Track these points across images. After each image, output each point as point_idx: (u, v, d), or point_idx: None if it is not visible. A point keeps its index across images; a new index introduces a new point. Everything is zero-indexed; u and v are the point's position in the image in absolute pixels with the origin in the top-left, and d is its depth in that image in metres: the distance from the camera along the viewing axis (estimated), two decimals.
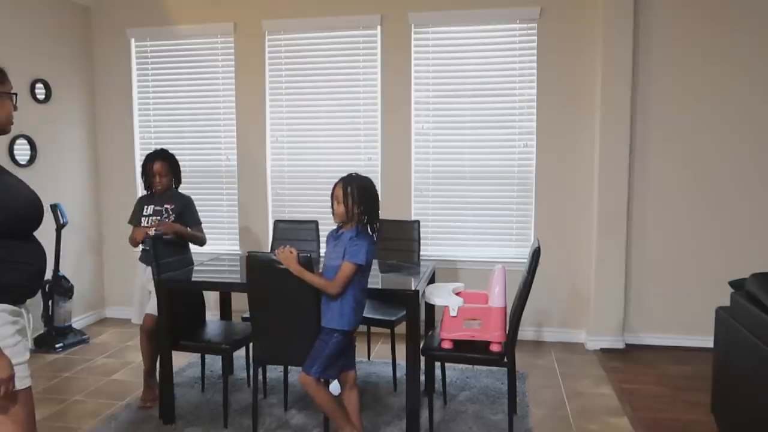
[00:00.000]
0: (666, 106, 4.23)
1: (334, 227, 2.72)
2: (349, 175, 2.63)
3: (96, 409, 3.34)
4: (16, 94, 1.76)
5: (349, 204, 2.56)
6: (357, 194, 2.56)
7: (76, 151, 4.88)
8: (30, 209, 1.77)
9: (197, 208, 3.61)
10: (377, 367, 3.93)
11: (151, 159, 3.48)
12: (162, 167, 3.45)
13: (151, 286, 3.26)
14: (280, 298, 2.72)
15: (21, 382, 1.68)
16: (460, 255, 4.57)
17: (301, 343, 2.72)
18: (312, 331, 2.68)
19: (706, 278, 4.21)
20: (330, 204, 2.64)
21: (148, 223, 3.44)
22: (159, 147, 3.66)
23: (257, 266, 2.77)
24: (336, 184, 2.61)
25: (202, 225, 3.60)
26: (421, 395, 3.02)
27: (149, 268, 3.26)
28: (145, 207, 3.49)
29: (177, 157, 3.58)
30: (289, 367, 3.36)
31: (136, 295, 3.52)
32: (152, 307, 3.28)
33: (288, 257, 2.62)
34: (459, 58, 4.49)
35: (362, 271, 2.61)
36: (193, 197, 3.62)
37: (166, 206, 3.47)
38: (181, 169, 3.61)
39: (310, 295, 2.66)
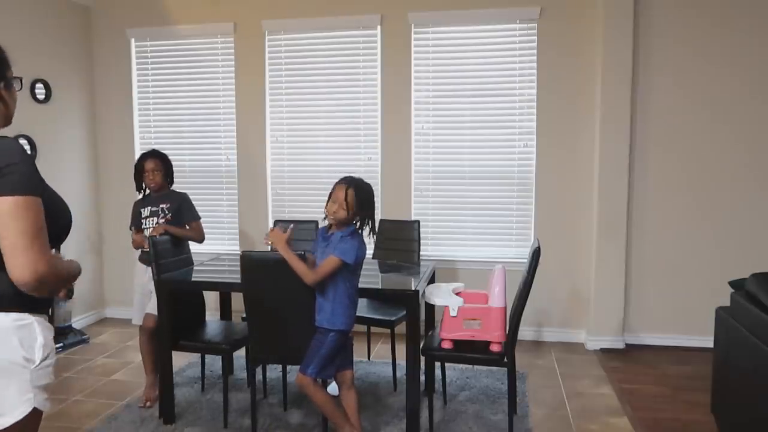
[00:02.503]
0: (666, 106, 4.23)
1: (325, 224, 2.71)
2: (354, 179, 2.61)
3: (96, 409, 3.34)
4: (21, 79, 1.70)
5: (353, 209, 2.55)
6: (363, 201, 2.57)
7: (76, 151, 4.88)
8: (70, 219, 1.72)
9: (195, 204, 3.61)
10: (377, 367, 3.92)
11: (142, 159, 3.51)
12: (153, 164, 3.46)
13: (152, 286, 3.26)
14: (276, 297, 2.72)
15: (49, 404, 1.55)
16: (460, 255, 4.57)
17: (298, 342, 2.72)
18: (308, 330, 2.68)
19: (706, 278, 4.21)
20: (325, 201, 2.63)
21: (147, 224, 3.45)
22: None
23: (252, 265, 2.76)
24: (339, 185, 2.59)
25: (201, 221, 3.60)
26: (421, 395, 3.02)
27: (149, 269, 3.26)
28: (142, 210, 3.50)
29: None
30: (288, 366, 3.36)
31: (137, 295, 3.52)
32: (153, 306, 3.28)
33: (276, 236, 2.62)
34: (459, 58, 4.49)
35: (351, 270, 2.61)
36: (192, 197, 3.62)
37: (162, 206, 3.48)
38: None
39: (306, 293, 2.66)
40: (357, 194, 2.56)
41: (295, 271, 2.58)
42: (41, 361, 1.50)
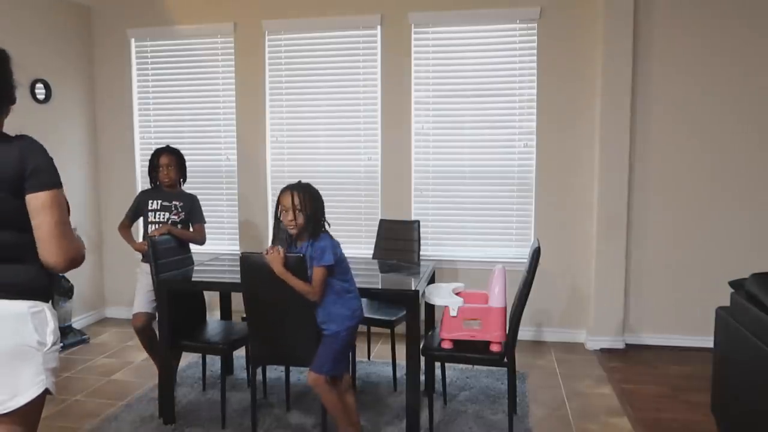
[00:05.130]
0: (666, 106, 4.23)
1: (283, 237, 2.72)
2: (292, 184, 2.64)
3: (96, 409, 3.34)
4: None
5: (308, 211, 2.57)
6: (314, 198, 2.60)
7: (76, 151, 4.88)
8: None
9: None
10: (377, 367, 3.92)
11: (156, 154, 3.56)
12: (169, 159, 3.53)
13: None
14: (276, 298, 2.72)
15: (55, 387, 1.68)
16: (460, 255, 4.57)
17: (298, 343, 2.73)
18: (308, 331, 2.68)
19: (706, 278, 4.21)
20: (276, 214, 2.64)
21: (156, 217, 3.47)
22: (166, 143, 3.71)
23: (251, 267, 2.76)
24: (284, 194, 2.61)
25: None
26: (421, 395, 3.02)
27: None
28: (151, 201, 3.52)
29: None
30: (290, 366, 3.36)
31: (144, 295, 3.47)
32: (139, 305, 3.38)
33: (274, 258, 2.61)
34: (459, 58, 4.49)
35: (337, 269, 2.62)
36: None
37: (175, 203, 3.51)
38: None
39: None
40: (305, 194, 2.58)
41: (298, 290, 2.61)
42: (52, 345, 1.64)
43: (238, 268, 2.81)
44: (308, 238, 2.62)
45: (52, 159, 1.64)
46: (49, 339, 1.63)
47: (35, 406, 1.63)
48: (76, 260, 1.63)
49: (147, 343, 3.44)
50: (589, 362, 4.07)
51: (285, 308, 2.72)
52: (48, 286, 1.67)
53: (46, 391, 1.63)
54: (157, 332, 3.21)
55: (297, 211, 2.57)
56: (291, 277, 2.60)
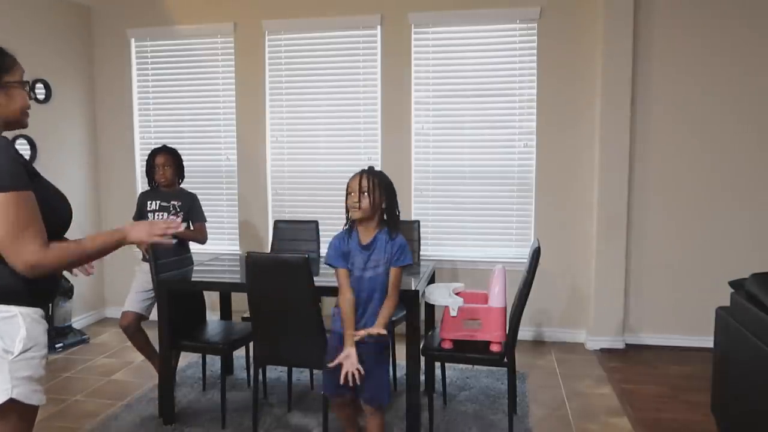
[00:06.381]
0: (666, 106, 4.23)
1: (340, 233, 2.49)
2: (371, 168, 2.45)
3: (96, 409, 3.34)
4: (28, 82, 1.73)
5: (376, 197, 2.37)
6: (383, 186, 2.40)
7: (76, 151, 4.88)
8: (69, 211, 1.74)
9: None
10: None
11: (153, 154, 3.55)
12: (165, 159, 3.52)
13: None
14: (281, 299, 2.72)
15: (38, 397, 1.59)
16: (460, 255, 4.57)
17: (303, 344, 2.72)
18: (313, 332, 2.67)
19: (706, 278, 4.21)
20: (345, 200, 2.42)
21: (154, 218, 3.47)
22: (166, 143, 3.71)
23: (257, 267, 2.76)
24: (353, 177, 2.41)
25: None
26: (421, 395, 3.02)
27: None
28: (149, 202, 3.52)
29: None
30: (290, 367, 3.36)
31: (136, 295, 3.48)
32: (128, 303, 3.39)
33: (350, 356, 2.31)
34: (459, 58, 4.49)
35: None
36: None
37: (173, 202, 3.51)
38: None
39: (311, 296, 2.65)
40: (375, 178, 2.38)
41: (390, 315, 2.43)
42: (21, 353, 1.54)
43: (238, 268, 2.81)
44: (385, 229, 2.44)
45: (9, 161, 1.52)
46: (18, 347, 1.52)
47: (7, 413, 1.52)
48: (37, 266, 1.51)
49: (136, 342, 3.43)
50: (589, 362, 4.07)
51: (290, 309, 2.71)
52: (24, 290, 1.57)
53: (15, 401, 1.51)
54: (156, 332, 3.20)
55: (362, 194, 2.36)
56: (375, 328, 2.35)
